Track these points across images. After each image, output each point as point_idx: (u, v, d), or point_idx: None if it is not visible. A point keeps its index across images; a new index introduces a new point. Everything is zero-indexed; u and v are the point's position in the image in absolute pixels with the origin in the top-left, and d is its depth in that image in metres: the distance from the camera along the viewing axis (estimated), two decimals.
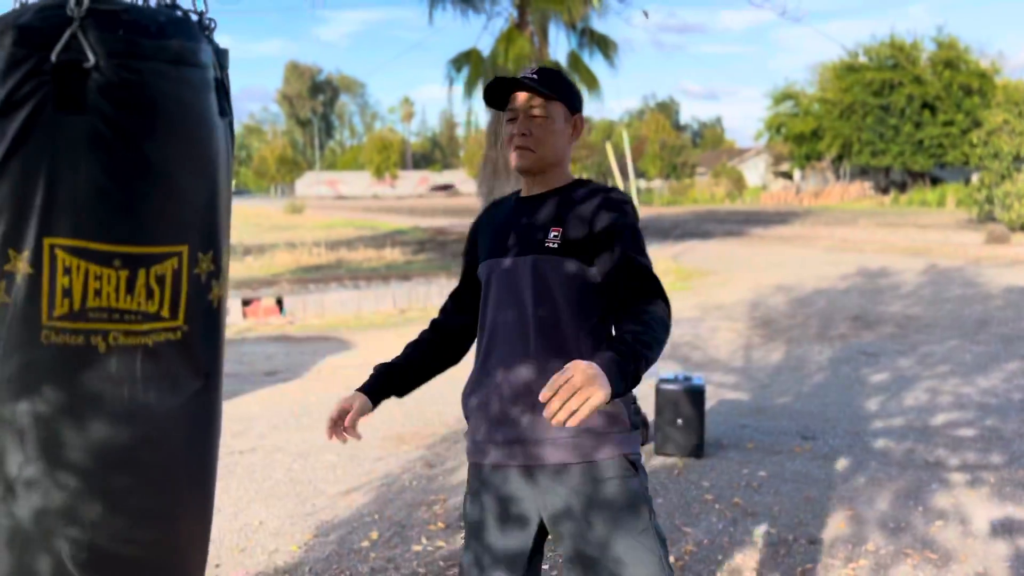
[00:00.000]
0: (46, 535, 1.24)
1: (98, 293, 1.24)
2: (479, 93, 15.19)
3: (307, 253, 17.07)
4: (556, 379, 1.41)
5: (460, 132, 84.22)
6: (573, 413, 1.39)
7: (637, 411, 1.86)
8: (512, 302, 1.83)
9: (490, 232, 1.95)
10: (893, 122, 39.23)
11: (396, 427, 5.27)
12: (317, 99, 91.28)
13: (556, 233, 1.81)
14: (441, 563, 3.32)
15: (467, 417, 1.93)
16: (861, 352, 7.38)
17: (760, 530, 3.59)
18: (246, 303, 9.89)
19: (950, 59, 38.52)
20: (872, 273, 13.08)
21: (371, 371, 2.01)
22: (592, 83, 14.65)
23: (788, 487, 4.11)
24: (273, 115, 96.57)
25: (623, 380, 1.49)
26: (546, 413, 1.41)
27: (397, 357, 2.03)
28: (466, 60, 14.87)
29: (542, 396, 1.42)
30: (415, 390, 2.02)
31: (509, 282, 1.84)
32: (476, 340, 1.95)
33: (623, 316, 1.68)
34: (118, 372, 1.25)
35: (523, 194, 1.94)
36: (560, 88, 1.86)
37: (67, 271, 1.23)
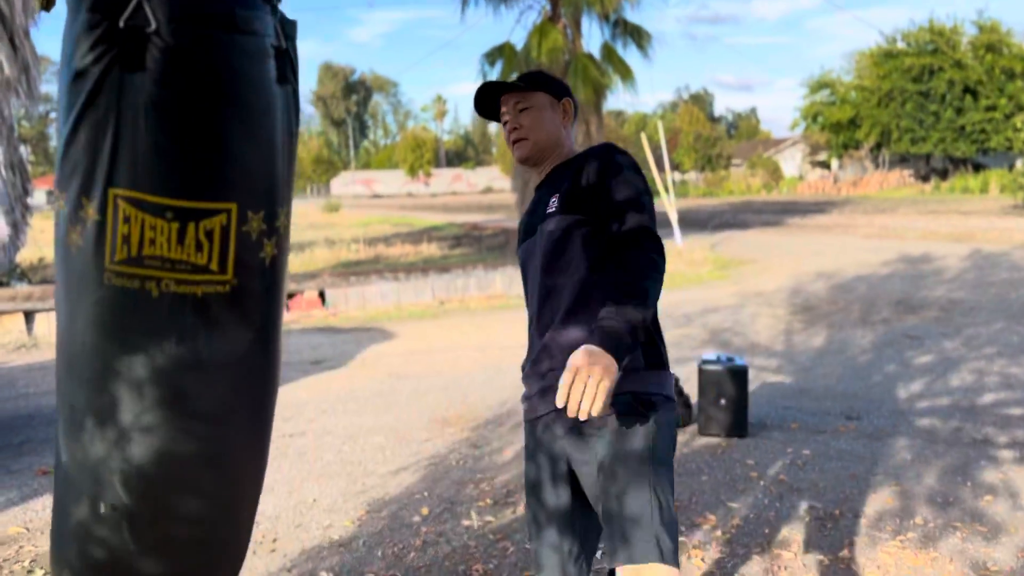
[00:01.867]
0: (100, 465, 1.37)
1: (152, 242, 1.35)
2: None
3: (346, 249, 17.27)
4: (564, 383, 1.53)
5: (493, 129, 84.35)
6: (593, 402, 1.51)
7: (655, 353, 1.87)
8: (531, 273, 1.97)
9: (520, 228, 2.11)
10: (933, 108, 38.51)
11: (441, 411, 5.36)
12: (351, 99, 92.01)
13: (555, 199, 1.91)
14: (491, 536, 3.40)
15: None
16: (905, 335, 7.31)
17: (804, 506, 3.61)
18: (289, 296, 10.08)
19: (992, 43, 37.69)
20: (914, 259, 12.91)
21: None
22: (626, 73, 14.63)
23: (833, 464, 4.12)
24: (308, 116, 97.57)
25: (622, 346, 1.58)
26: (570, 413, 1.53)
27: None
28: (499, 54, 14.92)
29: (558, 401, 1.54)
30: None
31: (527, 258, 1.99)
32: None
33: (611, 264, 1.74)
34: (170, 317, 1.37)
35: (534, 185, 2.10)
36: (539, 80, 2.01)
37: (127, 220, 1.35)
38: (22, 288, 8.76)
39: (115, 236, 1.34)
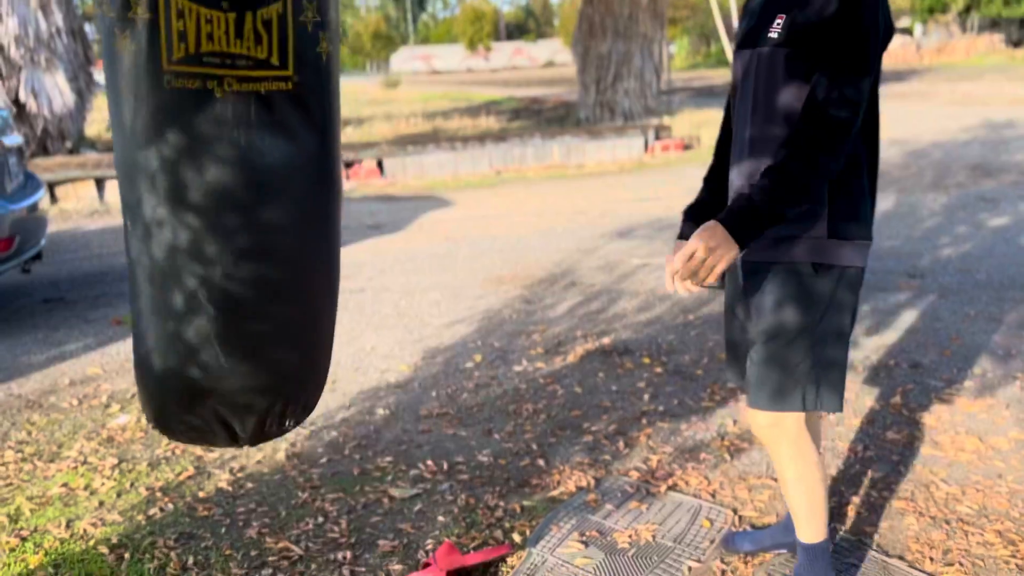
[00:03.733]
0: (177, 272, 1.36)
1: (210, 37, 1.29)
2: None
3: (404, 123, 17.14)
4: (676, 261, 1.57)
5: (554, 0, 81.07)
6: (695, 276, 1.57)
7: (845, 223, 1.71)
8: (741, 98, 1.78)
9: (742, 19, 1.87)
10: None
11: (496, 271, 5.40)
12: None
13: (780, 21, 1.67)
14: (541, 380, 3.47)
15: None
16: (980, 198, 7.00)
17: None
18: (348, 165, 10.11)
19: None
20: (997, 125, 12.20)
21: (681, 216, 2.04)
22: None
23: (891, 319, 4.04)
24: None
25: (751, 226, 1.56)
26: (669, 286, 1.62)
27: (700, 194, 2.01)
28: None
29: (667, 279, 1.60)
30: None
31: (743, 77, 1.78)
32: None
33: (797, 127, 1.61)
34: (233, 117, 1.31)
35: None
36: None
37: (180, 14, 1.28)
38: (91, 155, 8.98)
39: (170, 34, 1.28)
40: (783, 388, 1.77)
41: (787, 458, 1.84)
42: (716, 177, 1.99)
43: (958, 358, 3.51)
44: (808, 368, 1.75)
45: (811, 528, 1.90)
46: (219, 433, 1.47)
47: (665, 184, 8.83)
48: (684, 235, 2.03)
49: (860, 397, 3.16)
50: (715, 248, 1.55)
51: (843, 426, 2.92)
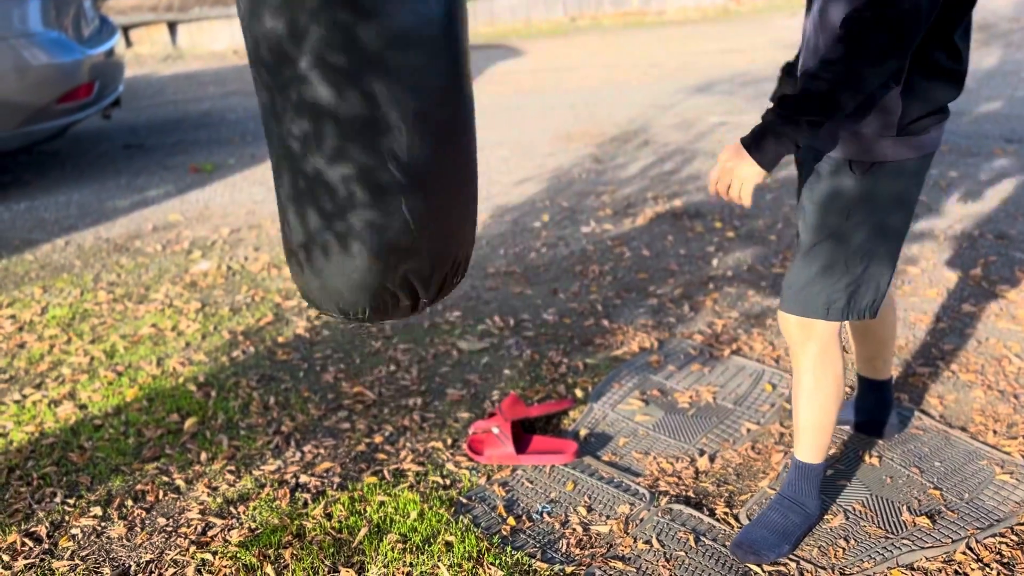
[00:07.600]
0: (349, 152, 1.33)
1: None
2: None
3: None
4: (710, 184, 1.62)
5: None
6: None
7: (905, 118, 1.56)
8: None
9: None
10: None
11: (566, 127, 5.29)
12: None
13: None
14: (609, 242, 3.46)
15: None
16: None
17: None
18: None
19: None
20: None
21: (778, 74, 1.95)
22: None
23: (981, 187, 3.85)
24: None
25: (780, 136, 1.47)
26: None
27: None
28: None
29: (710, 190, 1.63)
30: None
31: None
32: None
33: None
34: None
35: None
36: None
37: None
38: None
39: None
40: (809, 292, 1.68)
41: (807, 367, 1.72)
42: None
43: None
44: (839, 275, 1.65)
45: (812, 448, 1.79)
46: (404, 300, 1.47)
47: (751, 35, 8.35)
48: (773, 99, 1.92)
49: (938, 268, 3.07)
50: (731, 168, 1.55)
51: (917, 296, 2.86)
